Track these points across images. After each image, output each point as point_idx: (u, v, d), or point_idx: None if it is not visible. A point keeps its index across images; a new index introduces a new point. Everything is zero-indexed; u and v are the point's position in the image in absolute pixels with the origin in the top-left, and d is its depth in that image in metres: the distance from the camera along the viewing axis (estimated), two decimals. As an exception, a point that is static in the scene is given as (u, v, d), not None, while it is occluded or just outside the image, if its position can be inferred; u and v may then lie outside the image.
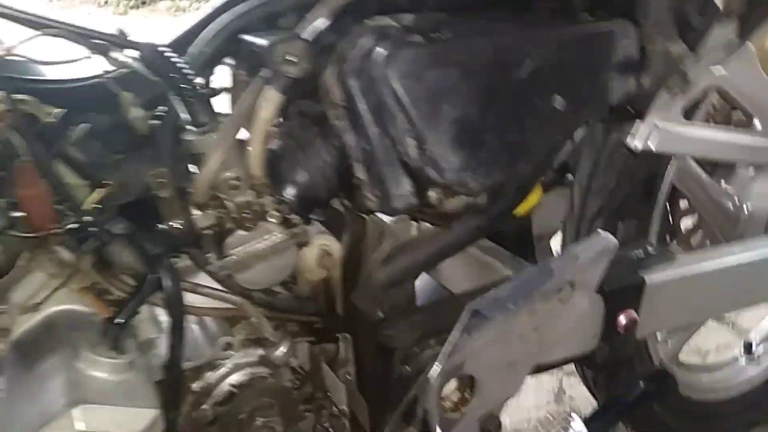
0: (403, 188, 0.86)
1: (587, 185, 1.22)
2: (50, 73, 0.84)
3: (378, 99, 0.83)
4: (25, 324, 0.81)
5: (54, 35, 0.81)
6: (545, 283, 0.87)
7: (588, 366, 1.29)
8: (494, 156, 0.87)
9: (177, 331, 0.82)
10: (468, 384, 0.88)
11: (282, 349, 0.93)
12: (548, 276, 0.88)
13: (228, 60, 0.96)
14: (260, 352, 0.91)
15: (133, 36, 0.89)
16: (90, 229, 0.80)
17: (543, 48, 0.88)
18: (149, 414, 0.72)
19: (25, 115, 0.75)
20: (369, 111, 0.84)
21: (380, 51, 0.83)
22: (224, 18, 0.91)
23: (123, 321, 0.78)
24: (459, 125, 0.85)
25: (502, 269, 1.17)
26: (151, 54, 0.84)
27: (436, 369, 0.82)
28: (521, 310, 0.87)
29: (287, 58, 0.82)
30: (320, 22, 0.86)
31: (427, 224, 1.07)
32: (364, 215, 0.99)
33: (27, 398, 0.72)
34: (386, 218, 1.00)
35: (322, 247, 0.93)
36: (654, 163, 1.19)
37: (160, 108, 0.87)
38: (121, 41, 0.85)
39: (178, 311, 0.81)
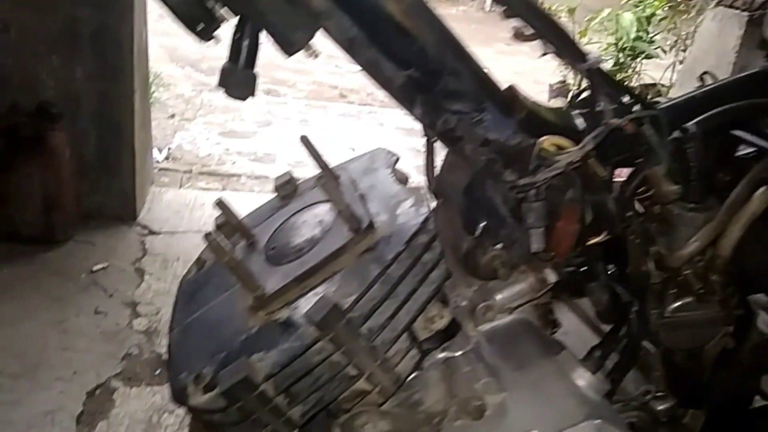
0: None
1: None
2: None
3: None
4: (497, 321, 0.95)
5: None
6: None
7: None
8: None
9: (624, 370, 0.94)
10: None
11: (666, 405, 1.04)
12: None
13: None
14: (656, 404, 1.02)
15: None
16: (577, 265, 0.94)
17: None
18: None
19: (586, 168, 0.89)
20: None
21: None
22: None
23: (607, 350, 0.91)
24: None
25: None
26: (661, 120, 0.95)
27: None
28: None
29: None
30: None
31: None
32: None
33: (532, 397, 0.86)
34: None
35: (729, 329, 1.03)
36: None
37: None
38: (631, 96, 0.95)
39: (634, 354, 0.93)
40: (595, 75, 0.87)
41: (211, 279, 1.04)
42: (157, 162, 3.60)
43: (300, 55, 0.88)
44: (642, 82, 5.06)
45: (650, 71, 5.10)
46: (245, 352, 0.83)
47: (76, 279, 2.52)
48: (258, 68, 0.90)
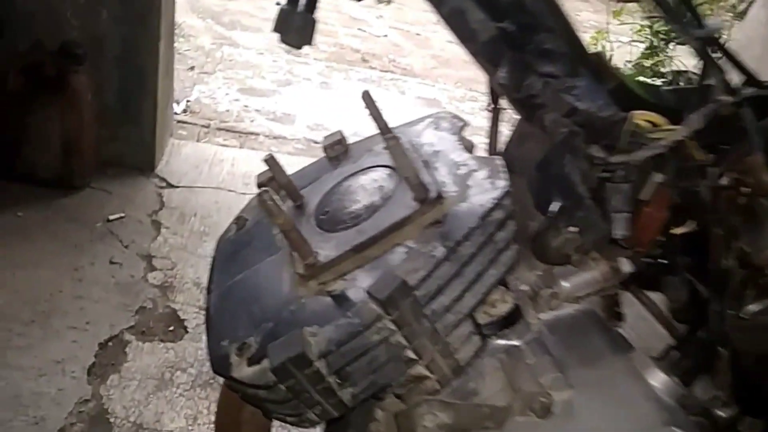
0: None
1: None
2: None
3: None
4: (562, 310, 0.88)
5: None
6: None
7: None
8: None
9: (696, 374, 0.86)
10: None
11: (731, 413, 0.97)
12: None
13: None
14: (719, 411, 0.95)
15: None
16: (653, 256, 0.86)
17: None
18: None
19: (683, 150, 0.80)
20: None
21: None
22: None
23: (686, 352, 0.83)
24: None
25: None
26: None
27: None
28: None
29: None
30: None
31: None
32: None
33: (603, 396, 0.79)
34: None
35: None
36: None
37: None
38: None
39: (710, 357, 0.86)
40: (710, 45, 0.77)
41: (252, 240, 0.96)
42: (176, 114, 3.50)
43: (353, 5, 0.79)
44: (673, 69, 4.92)
45: (681, 58, 4.96)
46: (295, 324, 0.75)
47: (91, 227, 2.45)
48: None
